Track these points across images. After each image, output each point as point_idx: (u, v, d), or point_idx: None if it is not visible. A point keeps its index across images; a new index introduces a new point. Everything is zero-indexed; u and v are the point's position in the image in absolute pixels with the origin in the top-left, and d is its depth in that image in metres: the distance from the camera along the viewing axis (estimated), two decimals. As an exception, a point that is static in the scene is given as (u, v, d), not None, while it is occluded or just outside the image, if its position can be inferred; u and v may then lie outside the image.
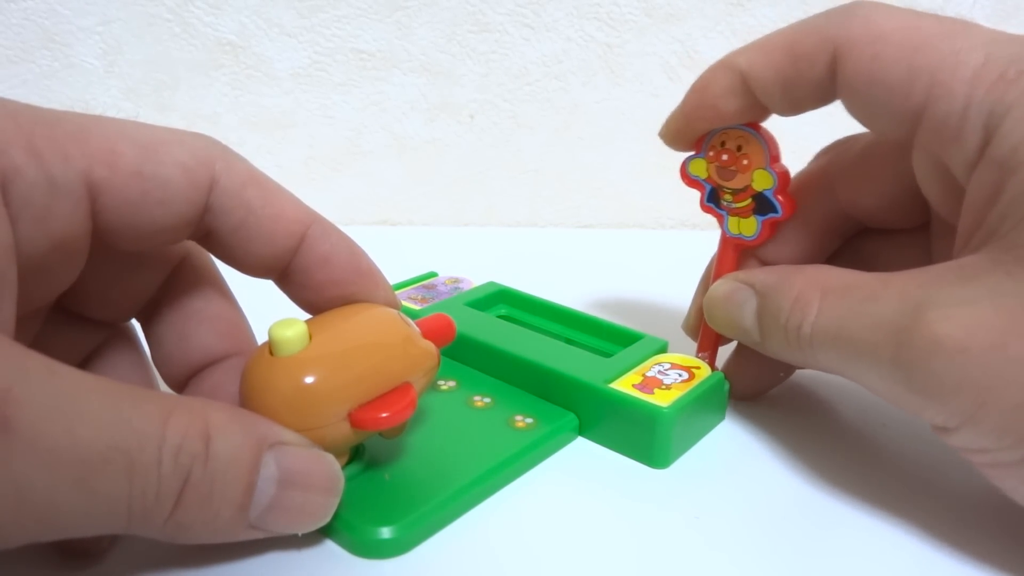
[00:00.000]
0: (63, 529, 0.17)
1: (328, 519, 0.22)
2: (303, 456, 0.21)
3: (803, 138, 0.56)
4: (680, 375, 0.29)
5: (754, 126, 0.27)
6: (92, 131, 0.20)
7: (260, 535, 0.21)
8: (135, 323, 0.26)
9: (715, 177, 0.29)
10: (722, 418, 0.30)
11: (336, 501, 0.22)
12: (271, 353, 0.22)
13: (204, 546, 0.22)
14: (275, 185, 0.23)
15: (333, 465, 0.21)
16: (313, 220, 0.23)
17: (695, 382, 0.28)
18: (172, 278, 0.25)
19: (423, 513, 0.23)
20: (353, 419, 0.22)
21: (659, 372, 0.29)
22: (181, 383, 0.25)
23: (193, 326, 0.24)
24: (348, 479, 0.24)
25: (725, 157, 0.28)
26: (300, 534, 0.21)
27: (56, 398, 0.17)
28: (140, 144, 0.20)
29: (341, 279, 0.24)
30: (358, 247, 0.25)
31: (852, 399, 0.32)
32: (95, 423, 0.17)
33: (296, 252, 0.23)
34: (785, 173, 0.27)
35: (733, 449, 0.28)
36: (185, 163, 0.21)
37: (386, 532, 0.22)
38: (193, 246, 0.25)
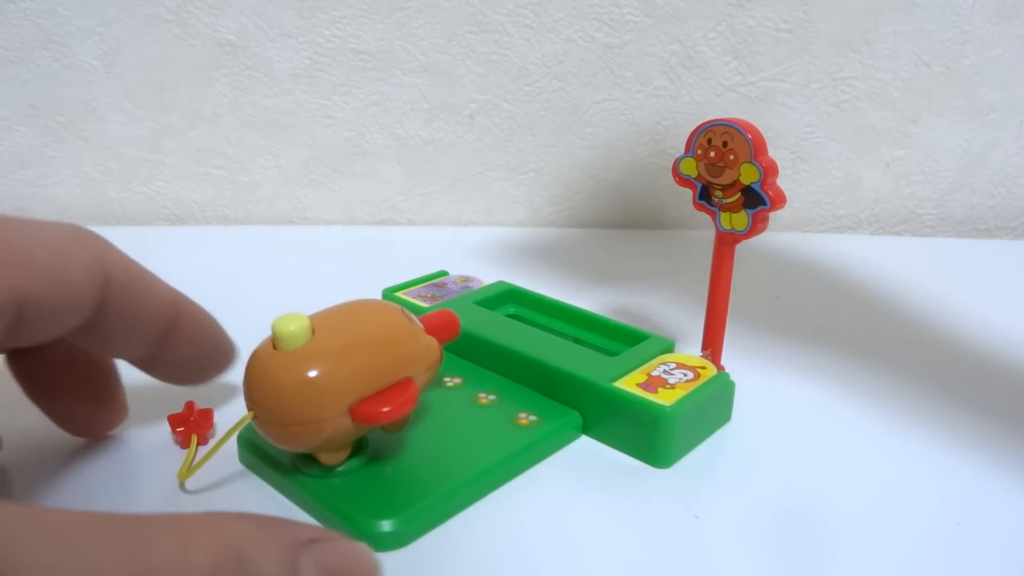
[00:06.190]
0: None
1: None
2: (339, 550, 0.19)
3: (803, 139, 0.56)
4: (685, 375, 0.28)
5: (736, 121, 0.28)
6: (8, 242, 0.19)
7: None
8: None
9: (704, 174, 0.29)
10: (728, 419, 0.30)
11: None
12: (274, 347, 0.22)
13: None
14: (145, 270, 0.24)
15: (369, 552, 0.20)
16: (181, 301, 0.24)
17: (700, 382, 0.28)
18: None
19: (424, 507, 0.23)
20: (354, 413, 0.22)
21: (664, 371, 0.29)
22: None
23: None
24: (350, 472, 0.24)
25: (712, 154, 0.28)
26: None
27: (57, 555, 0.14)
28: (50, 249, 0.20)
29: (201, 356, 0.25)
30: (219, 326, 0.26)
31: (861, 406, 0.32)
32: (106, 571, 0.15)
33: (168, 333, 0.24)
34: (771, 165, 0.28)
35: (738, 451, 0.28)
36: (85, 263, 0.21)
37: (386, 525, 0.22)
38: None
